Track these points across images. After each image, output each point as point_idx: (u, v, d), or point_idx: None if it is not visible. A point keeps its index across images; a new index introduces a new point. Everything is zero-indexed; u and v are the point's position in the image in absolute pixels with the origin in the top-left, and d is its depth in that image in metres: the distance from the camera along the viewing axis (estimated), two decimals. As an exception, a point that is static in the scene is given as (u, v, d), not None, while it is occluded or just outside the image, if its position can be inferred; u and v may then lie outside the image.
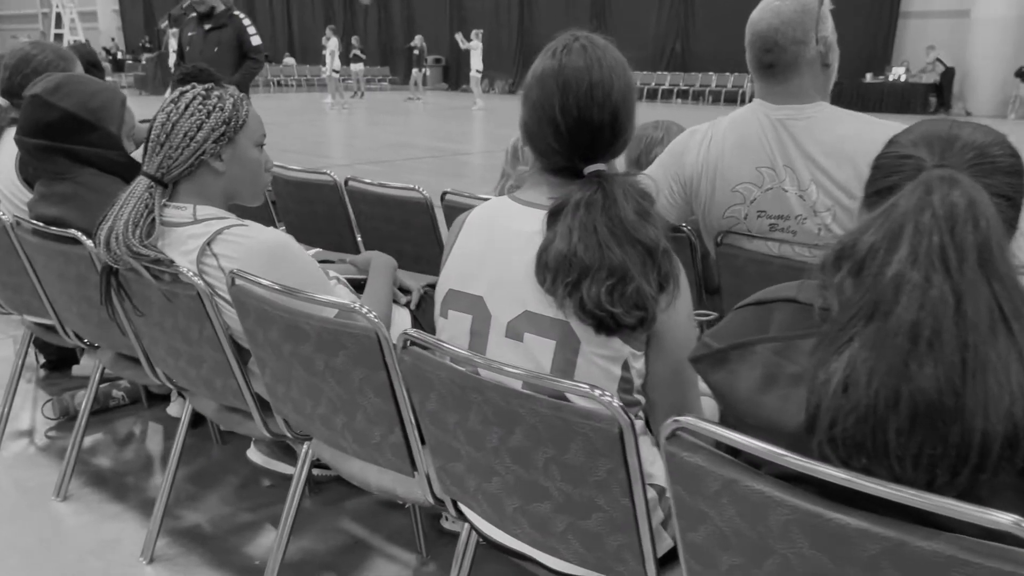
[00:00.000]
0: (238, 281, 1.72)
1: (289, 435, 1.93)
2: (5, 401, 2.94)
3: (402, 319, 2.16)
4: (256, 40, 5.88)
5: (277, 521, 2.50)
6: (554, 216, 1.31)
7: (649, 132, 2.58)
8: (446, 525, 2.36)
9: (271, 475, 2.71)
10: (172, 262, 1.82)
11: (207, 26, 5.87)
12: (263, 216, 3.49)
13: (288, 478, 2.70)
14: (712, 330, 1.12)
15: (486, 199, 3.05)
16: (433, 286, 2.35)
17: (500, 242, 1.39)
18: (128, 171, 2.22)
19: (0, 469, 2.78)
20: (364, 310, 1.49)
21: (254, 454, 2.69)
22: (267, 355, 1.74)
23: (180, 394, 2.54)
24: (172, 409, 3.17)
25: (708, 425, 1.02)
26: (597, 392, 1.16)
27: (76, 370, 3.50)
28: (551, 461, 1.25)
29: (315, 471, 2.68)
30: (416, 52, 22.90)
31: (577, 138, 1.34)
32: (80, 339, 2.55)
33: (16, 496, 2.61)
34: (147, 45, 28.00)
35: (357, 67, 22.17)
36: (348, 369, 1.56)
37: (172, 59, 22.96)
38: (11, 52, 2.58)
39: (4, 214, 2.39)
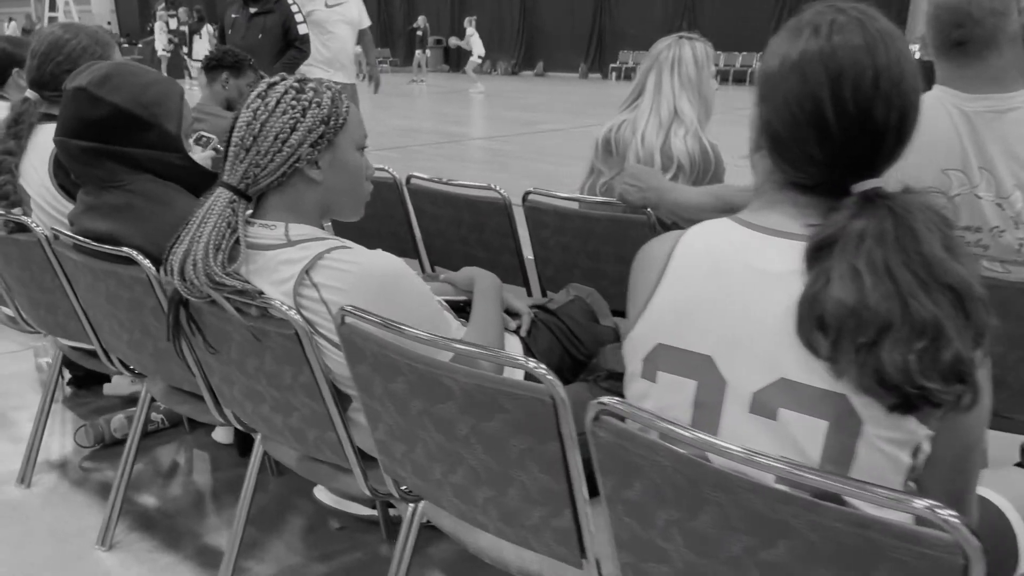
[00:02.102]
0: (349, 319, 1.40)
1: (396, 495, 1.61)
2: (36, 429, 2.62)
3: (513, 349, 1.84)
4: (303, 28, 5.51)
5: (352, 573, 2.20)
6: (821, 251, 0.99)
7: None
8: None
9: (340, 516, 2.39)
10: (261, 293, 1.49)
11: (252, 9, 5.48)
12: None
13: (361, 519, 2.39)
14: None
15: (571, 199, 2.74)
16: (542, 307, 2.03)
17: (736, 283, 1.06)
18: (190, 176, 1.89)
19: (33, 510, 2.46)
20: (531, 364, 1.17)
21: (323, 494, 2.38)
22: (385, 410, 1.42)
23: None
24: (218, 435, 2.86)
25: None
26: (921, 504, 0.84)
27: (108, 388, 3.18)
28: (832, 586, 0.94)
29: (391, 511, 2.37)
30: (419, 33, 22.44)
31: (852, 145, 1.01)
32: (126, 366, 2.23)
33: (54, 545, 2.29)
34: (152, 29, 27.47)
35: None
36: (505, 437, 1.24)
37: (159, 43, 22.53)
38: (39, 37, 2.23)
39: (38, 225, 2.06)
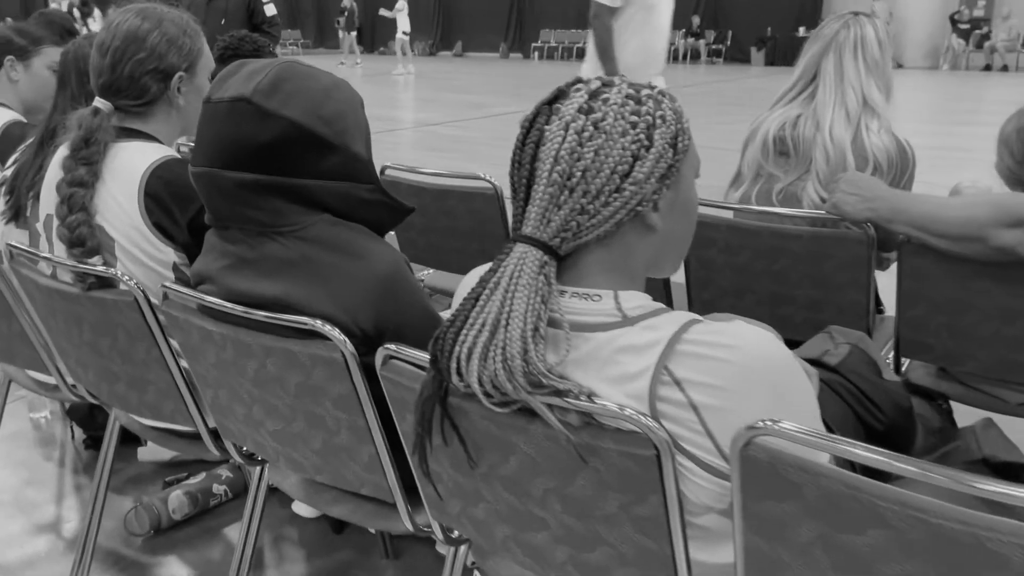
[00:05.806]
0: (762, 439, 0.95)
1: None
2: (89, 524, 2.06)
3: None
4: (271, 9, 4.88)
5: None
6: None
7: (1048, 120, 1.88)
8: None
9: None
10: (591, 395, 1.02)
11: None
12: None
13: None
14: None
15: (730, 209, 2.32)
16: (819, 362, 1.62)
17: None
18: (379, 214, 1.38)
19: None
20: None
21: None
22: (799, 561, 0.98)
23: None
24: (301, 508, 2.35)
25: None
26: None
27: (143, 454, 2.62)
28: None
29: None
30: (346, 14, 21.62)
31: None
32: (238, 450, 1.72)
33: None
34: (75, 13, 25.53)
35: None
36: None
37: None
38: (109, 27, 1.64)
39: (130, 279, 1.52)
